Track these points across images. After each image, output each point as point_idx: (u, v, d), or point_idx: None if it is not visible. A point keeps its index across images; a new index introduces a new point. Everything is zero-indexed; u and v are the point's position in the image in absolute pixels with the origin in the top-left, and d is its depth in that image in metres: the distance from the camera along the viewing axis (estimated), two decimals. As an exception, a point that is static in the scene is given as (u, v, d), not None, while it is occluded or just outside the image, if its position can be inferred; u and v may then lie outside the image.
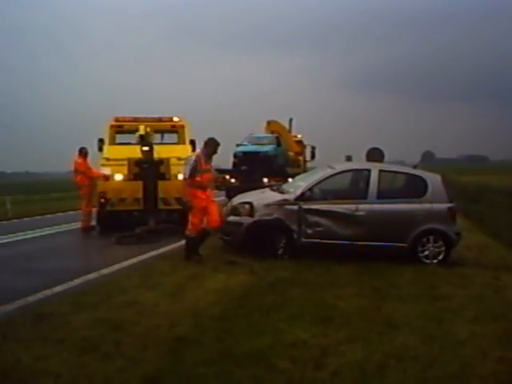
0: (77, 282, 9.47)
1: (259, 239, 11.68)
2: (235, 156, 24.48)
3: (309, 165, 31.12)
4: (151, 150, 14.95)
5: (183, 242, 13.66)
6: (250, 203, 12.12)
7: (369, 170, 11.77)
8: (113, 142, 17.31)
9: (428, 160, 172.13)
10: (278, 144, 25.28)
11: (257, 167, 22.74)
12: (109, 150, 16.81)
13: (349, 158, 19.69)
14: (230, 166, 24.89)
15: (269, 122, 28.27)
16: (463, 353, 6.12)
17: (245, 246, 11.94)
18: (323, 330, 6.82)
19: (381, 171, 11.76)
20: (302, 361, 5.76)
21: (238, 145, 25.35)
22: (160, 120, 17.67)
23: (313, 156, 32.45)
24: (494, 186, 29.40)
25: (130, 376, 5.33)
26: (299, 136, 32.09)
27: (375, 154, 19.60)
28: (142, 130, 14.14)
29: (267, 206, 11.85)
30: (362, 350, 6.12)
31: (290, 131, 29.79)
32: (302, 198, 11.56)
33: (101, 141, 17.28)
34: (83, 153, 17.04)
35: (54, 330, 6.75)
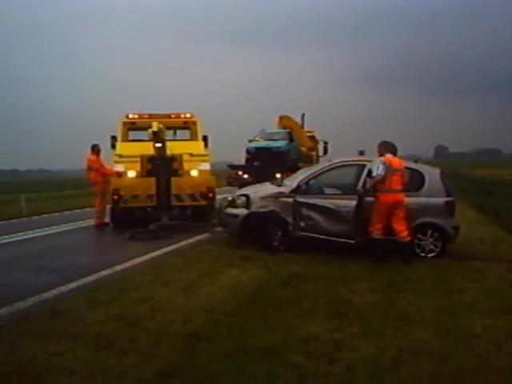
0: (91, 278, 9.53)
1: (255, 231, 11.95)
2: (248, 152, 24.42)
3: (321, 160, 30.97)
4: (164, 146, 14.98)
5: (196, 238, 13.75)
6: (246, 195, 12.37)
7: (365, 164, 11.67)
8: (125, 139, 17.39)
9: (441, 154, 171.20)
10: (291, 139, 25.21)
11: (269, 163, 22.68)
12: (121, 147, 16.89)
13: (361, 153, 19.58)
14: (242, 161, 24.84)
15: (281, 118, 28.20)
16: (478, 346, 6.09)
17: (241, 237, 12.36)
18: (337, 324, 6.82)
19: None
20: (315, 356, 5.76)
21: (250, 140, 25.29)
22: (172, 116, 17.70)
23: (325, 151, 32.32)
24: (507, 179, 29.20)
25: (145, 371, 5.36)
26: (312, 131, 31.98)
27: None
28: (154, 126, 14.16)
29: (263, 198, 12.08)
30: (375, 344, 6.10)
31: (302, 126, 29.70)
32: (298, 190, 11.66)
33: (113, 138, 17.38)
34: (96, 150, 17.12)
35: (68, 326, 6.80)
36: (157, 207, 15.69)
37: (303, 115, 30.24)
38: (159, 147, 14.83)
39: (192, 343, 6.16)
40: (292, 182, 12.23)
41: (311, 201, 11.49)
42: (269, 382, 5.14)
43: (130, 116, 17.50)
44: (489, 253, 11.55)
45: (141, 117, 17.41)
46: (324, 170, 12.17)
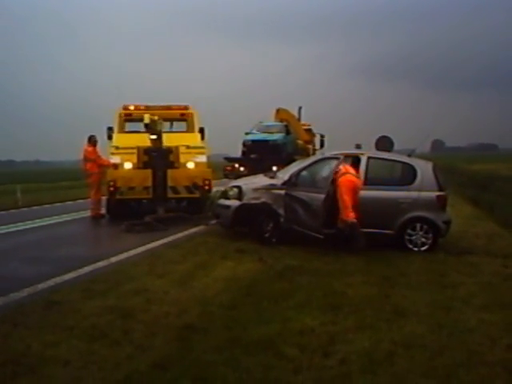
0: (86, 269, 9.52)
1: (246, 222, 12.13)
2: (244, 144, 24.37)
3: (318, 153, 30.91)
4: (160, 138, 14.93)
5: (192, 230, 13.74)
6: (238, 187, 12.51)
7: (358, 157, 11.79)
8: (122, 131, 17.33)
9: (437, 149, 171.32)
10: (287, 132, 25.15)
11: (266, 155, 22.62)
12: (118, 139, 16.84)
13: (358, 147, 19.61)
14: (239, 154, 24.81)
15: (278, 110, 28.13)
16: (472, 341, 6.11)
17: (232, 228, 12.63)
18: (331, 317, 6.84)
19: (369, 158, 11.79)
20: (310, 348, 5.78)
21: (247, 133, 25.23)
22: (169, 108, 17.66)
23: (322, 144, 32.33)
24: (504, 174, 29.25)
25: (139, 363, 5.37)
26: (308, 124, 31.95)
27: (384, 143, 19.51)
28: (146, 118, 14.11)
29: (255, 190, 12.20)
30: (370, 337, 6.12)
31: (299, 119, 29.64)
32: (289, 183, 11.71)
33: (110, 129, 17.32)
34: (92, 141, 17.08)
35: (63, 317, 6.80)
36: (153, 199, 15.67)
37: (300, 108, 30.18)
38: (154, 139, 14.79)
39: (187, 335, 6.17)
40: (284, 174, 12.27)
41: (295, 193, 11.56)
42: (263, 375, 5.15)
43: (127, 107, 17.45)
44: (484, 247, 11.60)
45: (137, 108, 17.36)
46: (314, 161, 12.32)
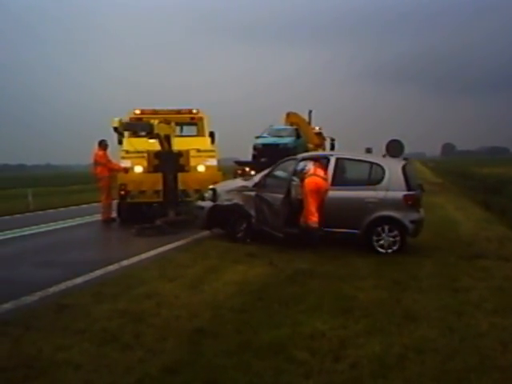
0: (97, 273, 9.56)
1: (219, 223, 12.64)
2: (255, 148, 24.40)
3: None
4: (167, 141, 14.93)
5: (202, 233, 13.74)
6: (213, 189, 12.98)
7: (327, 158, 12.06)
8: (132, 135, 17.38)
9: (448, 152, 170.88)
10: (298, 136, 25.15)
11: (276, 159, 22.55)
12: (128, 143, 16.89)
13: (368, 151, 19.60)
14: (249, 158, 24.84)
15: (288, 114, 28.16)
16: (483, 345, 6.07)
17: (207, 228, 13.22)
18: (342, 321, 6.82)
19: (338, 159, 11.93)
20: (320, 352, 5.76)
21: (257, 137, 25.26)
22: (179, 112, 17.73)
23: (332, 148, 32.36)
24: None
25: (150, 366, 5.37)
26: (318, 128, 31.97)
27: (395, 147, 19.51)
28: (114, 122, 14.15)
29: (229, 192, 12.66)
30: (381, 342, 6.10)
31: (309, 123, 29.66)
32: (259, 184, 12.12)
33: (120, 134, 17.37)
34: (103, 145, 17.18)
35: (74, 320, 6.82)
36: (163, 203, 15.71)
37: (310, 112, 30.21)
38: (160, 143, 14.81)
39: (197, 339, 6.17)
40: (258, 176, 12.67)
41: (263, 194, 11.94)
42: (274, 379, 5.14)
43: (137, 111, 17.51)
44: (495, 251, 11.52)
45: (147, 112, 17.41)
46: (279, 164, 12.58)
